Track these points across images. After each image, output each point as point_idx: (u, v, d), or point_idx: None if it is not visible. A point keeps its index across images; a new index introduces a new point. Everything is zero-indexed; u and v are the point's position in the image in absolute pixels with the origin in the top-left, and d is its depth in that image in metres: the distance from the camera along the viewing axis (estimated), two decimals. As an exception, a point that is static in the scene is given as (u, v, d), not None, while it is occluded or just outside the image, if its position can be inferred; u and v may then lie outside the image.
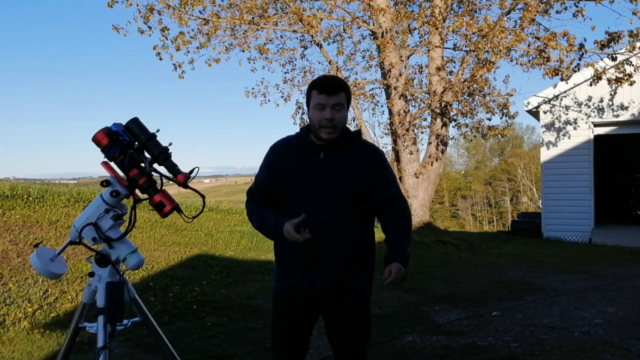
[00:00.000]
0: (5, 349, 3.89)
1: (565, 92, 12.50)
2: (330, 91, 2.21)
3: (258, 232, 2.39)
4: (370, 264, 2.35)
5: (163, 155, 2.17)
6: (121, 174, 2.21)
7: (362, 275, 2.31)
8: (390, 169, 2.41)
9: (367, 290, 2.36)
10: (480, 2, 12.55)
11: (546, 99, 12.71)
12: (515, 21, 11.46)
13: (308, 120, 2.33)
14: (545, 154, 12.82)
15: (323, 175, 2.23)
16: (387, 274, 2.18)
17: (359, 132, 2.41)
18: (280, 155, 2.34)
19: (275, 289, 2.40)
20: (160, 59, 12.00)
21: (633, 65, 10.74)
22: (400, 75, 12.30)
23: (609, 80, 10.90)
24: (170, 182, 2.20)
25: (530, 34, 11.19)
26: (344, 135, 2.30)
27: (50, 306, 4.84)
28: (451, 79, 12.34)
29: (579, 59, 10.77)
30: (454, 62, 13.57)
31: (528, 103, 12.97)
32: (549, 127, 12.75)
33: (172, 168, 2.18)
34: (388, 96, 12.82)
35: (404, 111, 12.49)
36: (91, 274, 2.20)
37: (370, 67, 14.29)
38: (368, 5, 11.89)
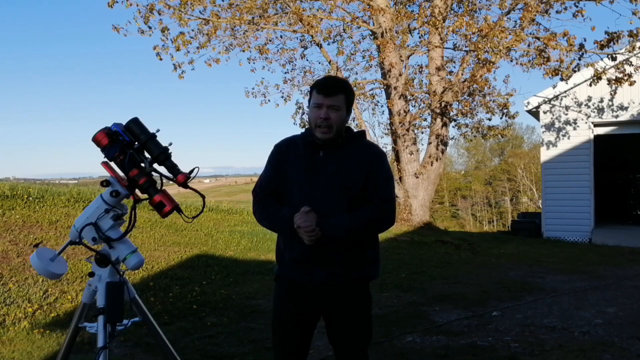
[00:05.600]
0: (5, 349, 3.89)
1: (565, 92, 12.50)
2: (327, 92, 2.23)
3: (269, 230, 2.38)
4: (372, 262, 2.34)
5: (163, 155, 2.17)
6: (121, 174, 2.20)
7: (363, 270, 2.30)
8: (388, 169, 2.36)
9: (366, 286, 2.35)
10: (480, 2, 12.57)
11: (546, 99, 12.71)
12: (515, 21, 11.48)
13: (308, 120, 2.33)
14: (545, 154, 12.82)
15: (322, 173, 2.25)
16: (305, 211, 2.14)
17: (362, 133, 2.40)
18: (284, 153, 2.35)
19: (277, 285, 2.40)
20: (160, 59, 12.04)
21: (633, 65, 10.75)
22: (400, 75, 12.30)
23: (609, 80, 10.90)
24: (170, 182, 2.19)
25: (530, 34, 11.20)
26: (345, 135, 2.31)
27: (50, 306, 4.84)
28: (451, 79, 12.35)
29: (579, 59, 10.78)
30: (454, 62, 13.59)
31: (528, 103, 12.97)
32: (549, 127, 12.75)
33: (172, 168, 2.18)
34: (388, 96, 12.83)
35: (404, 111, 12.49)
36: (91, 274, 2.20)
37: (370, 67, 14.31)
38: (368, 5, 11.90)
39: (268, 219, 2.32)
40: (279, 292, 2.39)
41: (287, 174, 2.30)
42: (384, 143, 15.52)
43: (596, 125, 12.52)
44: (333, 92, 2.23)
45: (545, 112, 12.80)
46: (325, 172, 2.24)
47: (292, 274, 2.28)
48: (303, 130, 2.47)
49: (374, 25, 12.71)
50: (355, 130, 2.43)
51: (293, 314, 2.31)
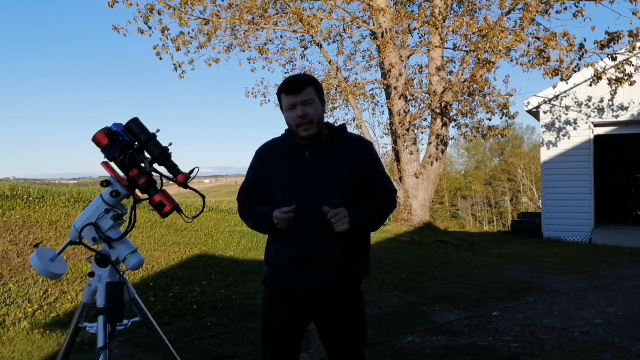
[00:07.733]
0: (5, 349, 3.89)
1: (565, 92, 12.50)
2: (296, 89, 2.18)
3: (256, 232, 2.38)
4: (364, 260, 2.31)
5: (163, 155, 2.16)
6: (121, 174, 2.20)
7: (355, 271, 2.26)
8: (379, 160, 2.37)
9: (359, 286, 2.32)
10: (480, 2, 12.57)
11: (546, 99, 12.71)
12: (515, 21, 11.48)
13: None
14: (545, 154, 12.82)
15: (310, 173, 2.20)
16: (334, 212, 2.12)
17: (343, 126, 2.37)
18: (266, 157, 2.31)
19: (266, 288, 2.36)
20: (160, 59, 12.05)
21: (633, 65, 10.74)
22: (400, 75, 12.30)
23: (609, 80, 10.90)
24: (170, 182, 2.19)
25: (530, 34, 11.20)
26: (327, 132, 2.27)
27: (50, 306, 4.84)
28: (451, 79, 12.35)
29: (579, 59, 10.79)
30: (454, 62, 13.59)
31: (528, 103, 12.97)
32: (549, 127, 12.75)
33: (172, 168, 2.17)
34: (388, 96, 12.83)
35: (404, 111, 12.49)
36: (91, 274, 2.20)
37: (370, 67, 14.31)
38: (368, 5, 11.90)
39: (252, 219, 2.33)
40: (270, 294, 2.33)
41: (273, 178, 2.25)
42: (384, 143, 15.52)
43: (596, 125, 12.52)
44: (301, 87, 2.18)
45: (545, 112, 12.80)
46: (315, 173, 2.20)
47: (286, 277, 2.23)
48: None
49: (374, 25, 12.71)
50: (337, 125, 2.38)
51: (285, 316, 2.26)
